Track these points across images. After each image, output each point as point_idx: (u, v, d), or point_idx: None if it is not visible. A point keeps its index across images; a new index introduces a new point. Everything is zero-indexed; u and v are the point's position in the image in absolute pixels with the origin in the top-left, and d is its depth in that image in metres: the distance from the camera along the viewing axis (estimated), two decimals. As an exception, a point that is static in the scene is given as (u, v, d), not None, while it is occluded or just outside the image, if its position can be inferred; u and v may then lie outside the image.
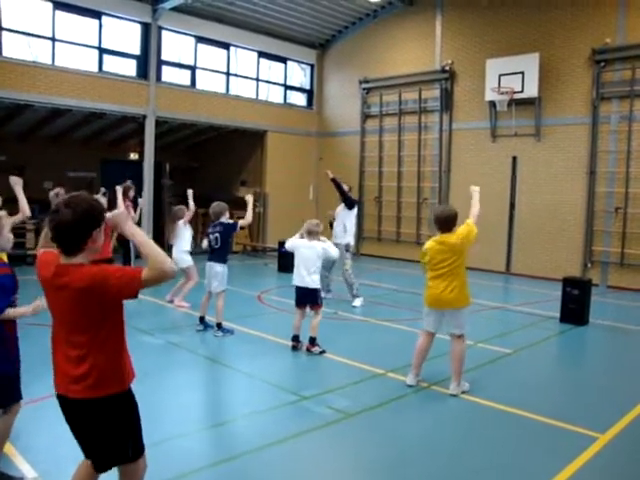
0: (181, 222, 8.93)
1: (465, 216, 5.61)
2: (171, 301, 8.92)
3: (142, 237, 2.51)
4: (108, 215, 2.63)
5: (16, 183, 4.37)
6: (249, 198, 7.66)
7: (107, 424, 2.59)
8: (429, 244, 5.51)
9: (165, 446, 4.10)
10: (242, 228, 7.87)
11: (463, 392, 5.41)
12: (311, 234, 6.67)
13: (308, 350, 6.58)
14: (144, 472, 2.82)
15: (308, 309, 6.81)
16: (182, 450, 4.10)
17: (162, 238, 14.55)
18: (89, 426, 2.61)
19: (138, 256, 9.57)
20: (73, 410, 2.61)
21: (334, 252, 6.90)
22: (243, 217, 7.65)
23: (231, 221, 7.52)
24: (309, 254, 6.64)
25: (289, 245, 6.89)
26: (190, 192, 8.98)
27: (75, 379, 2.54)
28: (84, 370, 2.52)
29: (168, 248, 10.15)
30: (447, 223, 5.38)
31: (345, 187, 9.86)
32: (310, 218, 6.96)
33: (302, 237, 6.76)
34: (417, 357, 5.58)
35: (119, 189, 8.81)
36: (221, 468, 3.86)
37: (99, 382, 2.53)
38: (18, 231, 9.89)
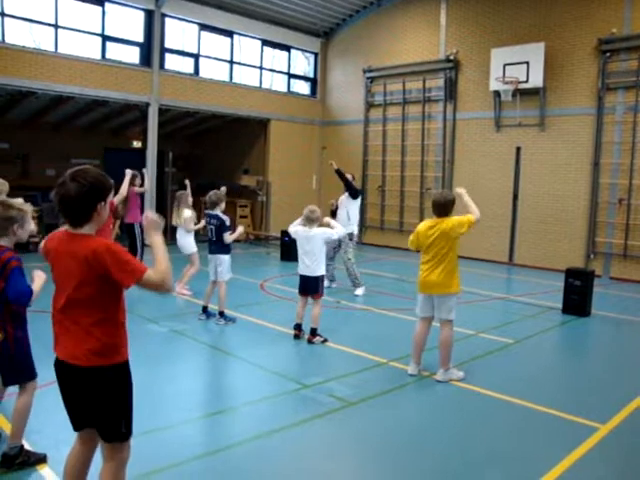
0: (186, 212, 8.83)
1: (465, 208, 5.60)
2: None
3: (160, 249, 2.64)
4: (146, 215, 2.76)
5: None
6: (240, 228, 7.66)
7: (100, 393, 2.62)
8: (421, 226, 5.55)
9: (166, 433, 4.14)
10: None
11: (452, 380, 5.44)
12: (309, 221, 6.64)
13: (309, 341, 6.58)
14: (128, 457, 2.81)
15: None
16: (182, 438, 4.13)
17: (165, 224, 14.55)
18: (84, 394, 2.64)
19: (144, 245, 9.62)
20: (70, 376, 2.65)
21: (334, 232, 6.85)
22: (246, 206, 7.61)
23: (226, 219, 7.36)
24: (309, 242, 6.63)
25: (291, 231, 6.88)
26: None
27: (72, 346, 2.60)
28: (81, 338, 2.58)
29: (172, 231, 10.21)
30: (444, 208, 5.40)
31: (349, 176, 9.85)
32: (313, 205, 6.88)
33: (303, 225, 6.73)
34: (415, 345, 5.61)
35: (129, 172, 8.87)
36: (221, 456, 3.89)
37: (95, 351, 2.58)
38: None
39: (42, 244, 2.79)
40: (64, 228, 2.69)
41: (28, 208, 3.62)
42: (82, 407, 2.68)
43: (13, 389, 3.74)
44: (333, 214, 10.10)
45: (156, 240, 2.68)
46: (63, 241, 2.64)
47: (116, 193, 8.13)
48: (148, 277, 2.51)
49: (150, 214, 2.75)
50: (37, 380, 3.66)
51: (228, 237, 7.28)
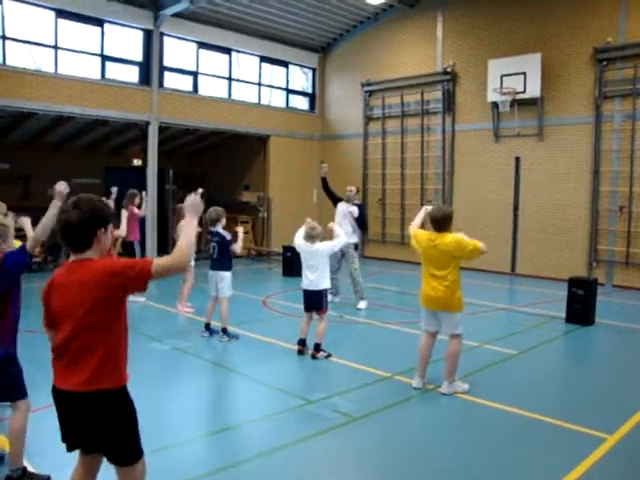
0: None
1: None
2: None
3: (189, 229, 2.70)
4: (188, 198, 2.79)
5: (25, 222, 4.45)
6: (240, 230, 7.58)
7: (101, 419, 2.61)
8: (421, 232, 5.53)
9: (171, 452, 4.11)
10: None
11: (456, 392, 5.42)
12: (310, 238, 6.63)
13: (313, 357, 6.55)
14: (144, 478, 2.79)
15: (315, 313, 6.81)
16: (187, 456, 4.10)
17: (166, 241, 14.62)
18: (86, 421, 2.62)
19: None
20: (72, 404, 2.64)
21: (337, 243, 6.80)
22: (247, 222, 7.62)
23: (227, 235, 7.37)
24: (313, 257, 6.64)
25: (295, 245, 6.85)
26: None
27: (74, 375, 2.59)
28: (83, 365, 2.57)
29: (172, 244, 10.26)
30: (442, 222, 5.38)
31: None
32: (313, 222, 6.85)
33: (305, 240, 6.72)
34: (419, 358, 5.60)
35: (125, 213, 9.04)
36: (227, 474, 3.86)
37: (96, 377, 2.57)
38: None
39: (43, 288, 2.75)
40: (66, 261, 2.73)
41: (10, 223, 3.76)
42: (85, 433, 2.67)
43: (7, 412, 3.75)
44: (325, 187, 10.09)
45: (189, 221, 2.73)
46: (66, 272, 2.67)
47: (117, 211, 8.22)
48: (157, 267, 2.53)
49: (192, 197, 2.79)
50: (29, 400, 3.64)
51: (236, 248, 7.31)
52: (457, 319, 5.43)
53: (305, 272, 6.70)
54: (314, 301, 6.68)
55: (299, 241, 6.78)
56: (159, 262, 2.55)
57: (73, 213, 2.60)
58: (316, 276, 6.62)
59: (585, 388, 5.97)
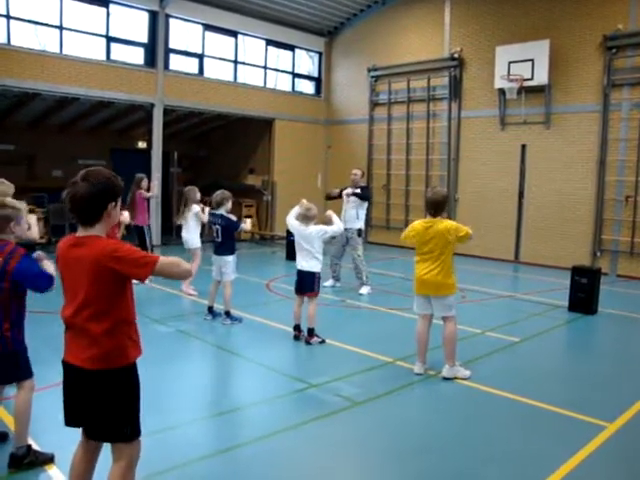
0: (195, 207, 8.86)
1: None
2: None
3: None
4: None
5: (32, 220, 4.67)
6: (247, 223, 7.66)
7: (101, 395, 2.63)
8: (416, 225, 5.54)
9: (172, 433, 4.15)
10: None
11: (457, 376, 5.44)
12: (305, 219, 6.58)
13: (307, 342, 6.52)
14: (138, 457, 2.81)
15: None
16: (190, 437, 4.14)
17: (170, 224, 14.64)
18: (89, 396, 2.65)
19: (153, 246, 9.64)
20: (76, 378, 2.67)
21: (329, 229, 6.71)
22: (252, 205, 7.61)
23: (234, 218, 7.36)
24: (305, 240, 6.58)
25: (289, 224, 6.79)
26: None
27: (81, 350, 2.62)
28: (90, 342, 2.59)
29: (177, 230, 10.21)
30: (437, 206, 5.41)
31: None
32: (320, 207, 6.82)
33: (300, 222, 6.64)
34: (418, 343, 5.63)
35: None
36: (228, 455, 3.90)
37: (103, 355, 2.60)
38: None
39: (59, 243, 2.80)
40: (72, 234, 2.71)
41: (22, 206, 3.75)
42: (86, 409, 2.69)
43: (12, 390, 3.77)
44: (328, 197, 10.20)
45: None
46: (70, 247, 2.65)
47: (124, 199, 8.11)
48: (163, 262, 2.55)
49: None
50: (34, 379, 3.67)
51: (246, 226, 7.40)
52: (450, 301, 5.46)
53: (298, 253, 6.67)
54: (306, 283, 6.62)
55: (292, 221, 6.72)
56: (165, 259, 2.58)
57: (83, 185, 2.54)
58: (308, 259, 6.57)
59: (586, 376, 5.98)
